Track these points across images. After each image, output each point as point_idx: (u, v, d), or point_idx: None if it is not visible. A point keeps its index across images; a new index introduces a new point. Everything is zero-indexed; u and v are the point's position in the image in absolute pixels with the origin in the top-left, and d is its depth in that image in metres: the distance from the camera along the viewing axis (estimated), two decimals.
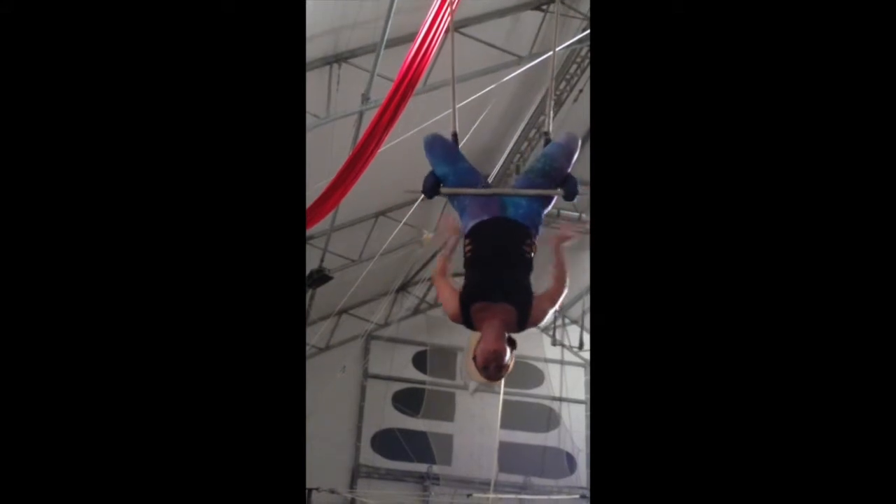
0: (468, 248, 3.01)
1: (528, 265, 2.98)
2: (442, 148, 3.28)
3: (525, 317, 2.88)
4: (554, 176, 3.13)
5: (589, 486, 11.60)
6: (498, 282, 2.88)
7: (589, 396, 12.47)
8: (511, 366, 2.84)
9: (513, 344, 2.84)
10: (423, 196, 3.20)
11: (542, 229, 3.09)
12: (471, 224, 3.05)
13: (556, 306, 3.03)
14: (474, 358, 2.85)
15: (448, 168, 3.19)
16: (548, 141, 3.39)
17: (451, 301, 2.92)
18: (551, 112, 3.67)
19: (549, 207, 3.15)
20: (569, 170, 3.17)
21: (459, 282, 3.05)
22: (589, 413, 12.37)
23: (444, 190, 3.13)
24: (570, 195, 3.08)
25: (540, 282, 2.99)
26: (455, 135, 3.34)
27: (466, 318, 2.88)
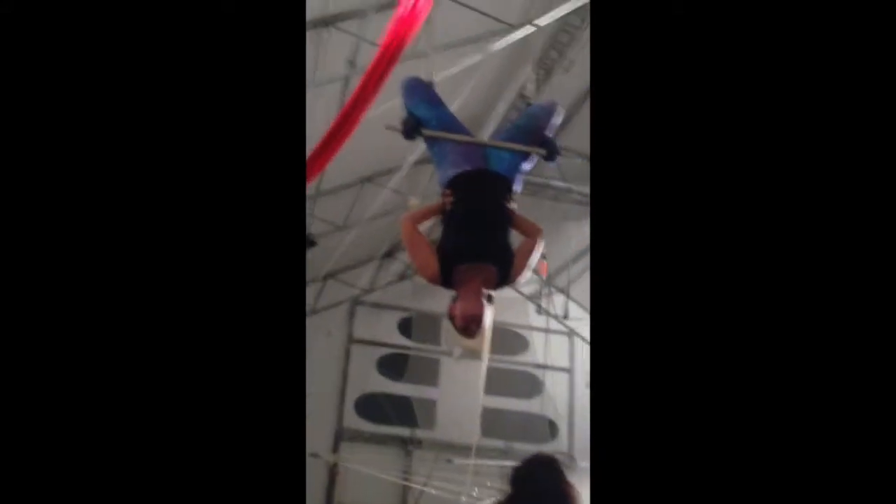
0: (448, 200, 2.90)
1: (508, 220, 2.92)
2: (424, 90, 3.18)
3: (505, 275, 2.82)
4: (535, 134, 3.09)
5: (570, 452, 11.79)
6: (481, 241, 2.80)
7: (571, 365, 12.60)
8: (490, 322, 2.77)
9: (490, 299, 2.77)
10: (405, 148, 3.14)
11: (519, 185, 3.04)
12: (452, 173, 2.96)
13: (535, 260, 2.95)
14: (451, 318, 2.79)
15: (430, 112, 3.09)
16: (528, 105, 3.36)
17: (429, 262, 2.81)
18: (534, 77, 3.66)
19: (529, 165, 3.08)
20: (548, 133, 3.13)
21: (426, 231, 2.98)
22: (571, 380, 12.51)
23: (426, 132, 3.01)
24: (550, 156, 3.06)
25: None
26: (431, 84, 3.24)
27: (447, 279, 2.80)
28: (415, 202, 9.35)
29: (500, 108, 8.22)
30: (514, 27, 6.14)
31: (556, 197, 9.87)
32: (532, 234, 2.99)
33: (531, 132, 3.11)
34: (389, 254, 11.77)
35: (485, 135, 8.43)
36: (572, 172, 9.74)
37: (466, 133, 3.22)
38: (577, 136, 9.38)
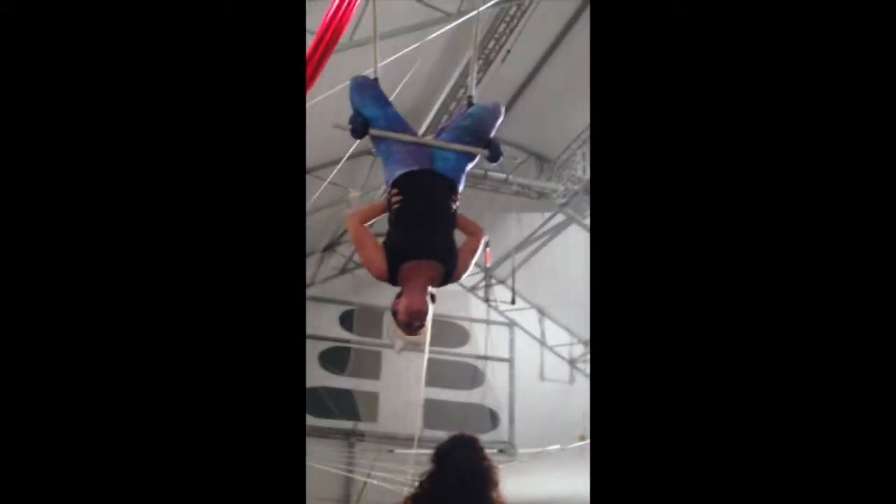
0: (395, 199, 2.95)
1: (453, 221, 2.99)
2: (372, 90, 3.22)
3: (450, 272, 2.88)
4: (479, 136, 3.15)
5: (510, 441, 11.92)
6: (427, 240, 2.85)
7: (512, 355, 12.74)
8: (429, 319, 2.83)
9: (433, 298, 2.83)
10: (350, 143, 3.14)
11: (463, 185, 3.11)
12: (398, 173, 2.99)
13: (476, 258, 3.04)
14: (394, 313, 2.83)
15: (378, 111, 3.12)
16: (471, 104, 3.40)
17: (377, 259, 2.84)
18: (475, 75, 3.70)
19: (472, 164, 3.16)
20: (492, 134, 3.20)
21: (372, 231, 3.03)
22: (512, 370, 12.65)
23: (373, 131, 3.04)
24: (494, 157, 3.13)
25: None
26: (376, 80, 3.28)
27: (394, 276, 2.84)
28: (355, 195, 9.30)
29: (439, 98, 8.23)
30: (451, 16, 6.16)
31: (496, 189, 9.95)
32: (475, 233, 3.08)
33: (476, 134, 3.15)
34: (330, 247, 11.69)
35: (424, 125, 8.45)
36: (511, 164, 9.83)
37: (412, 133, 3.27)
38: (515, 128, 9.48)
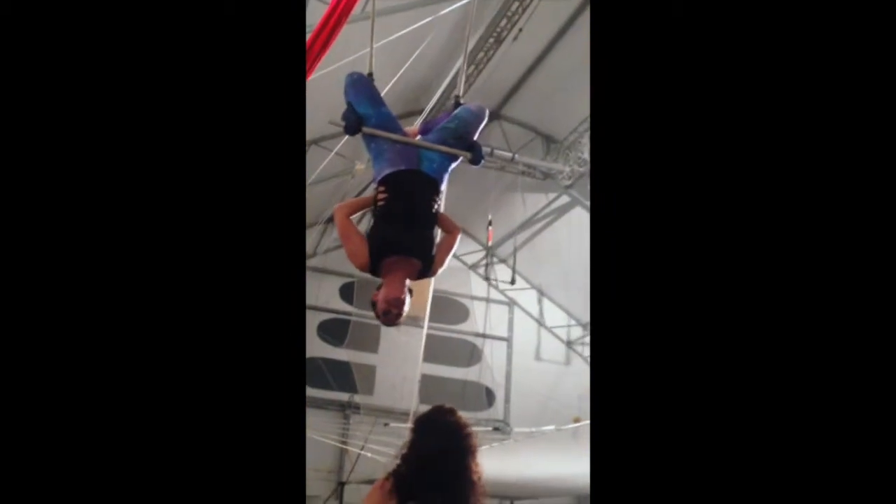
0: (381, 196, 3.09)
1: (434, 219, 3.16)
2: (366, 88, 3.34)
3: (427, 268, 3.06)
4: (464, 139, 3.29)
5: (505, 419, 12.00)
6: (409, 237, 3.02)
7: (510, 334, 12.79)
8: (406, 311, 3.02)
9: (410, 292, 3.02)
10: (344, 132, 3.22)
11: (445, 184, 3.26)
12: (386, 171, 3.12)
13: (451, 254, 3.21)
14: (373, 304, 3.01)
15: (371, 109, 3.24)
16: (457, 104, 3.46)
17: (360, 251, 3.01)
18: (464, 77, 3.80)
19: (455, 165, 3.28)
20: (475, 137, 3.35)
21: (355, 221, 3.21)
22: (510, 349, 12.70)
23: (365, 130, 3.16)
24: (476, 160, 3.27)
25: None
26: (371, 75, 3.39)
27: (375, 268, 3.01)
28: (361, 167, 9.28)
29: (449, 73, 8.18)
30: None
31: (502, 167, 9.93)
32: (452, 232, 3.23)
33: (460, 136, 3.28)
34: (333, 218, 11.66)
35: (432, 101, 8.41)
36: (518, 143, 9.81)
37: (402, 132, 3.39)
38: (523, 107, 9.44)
